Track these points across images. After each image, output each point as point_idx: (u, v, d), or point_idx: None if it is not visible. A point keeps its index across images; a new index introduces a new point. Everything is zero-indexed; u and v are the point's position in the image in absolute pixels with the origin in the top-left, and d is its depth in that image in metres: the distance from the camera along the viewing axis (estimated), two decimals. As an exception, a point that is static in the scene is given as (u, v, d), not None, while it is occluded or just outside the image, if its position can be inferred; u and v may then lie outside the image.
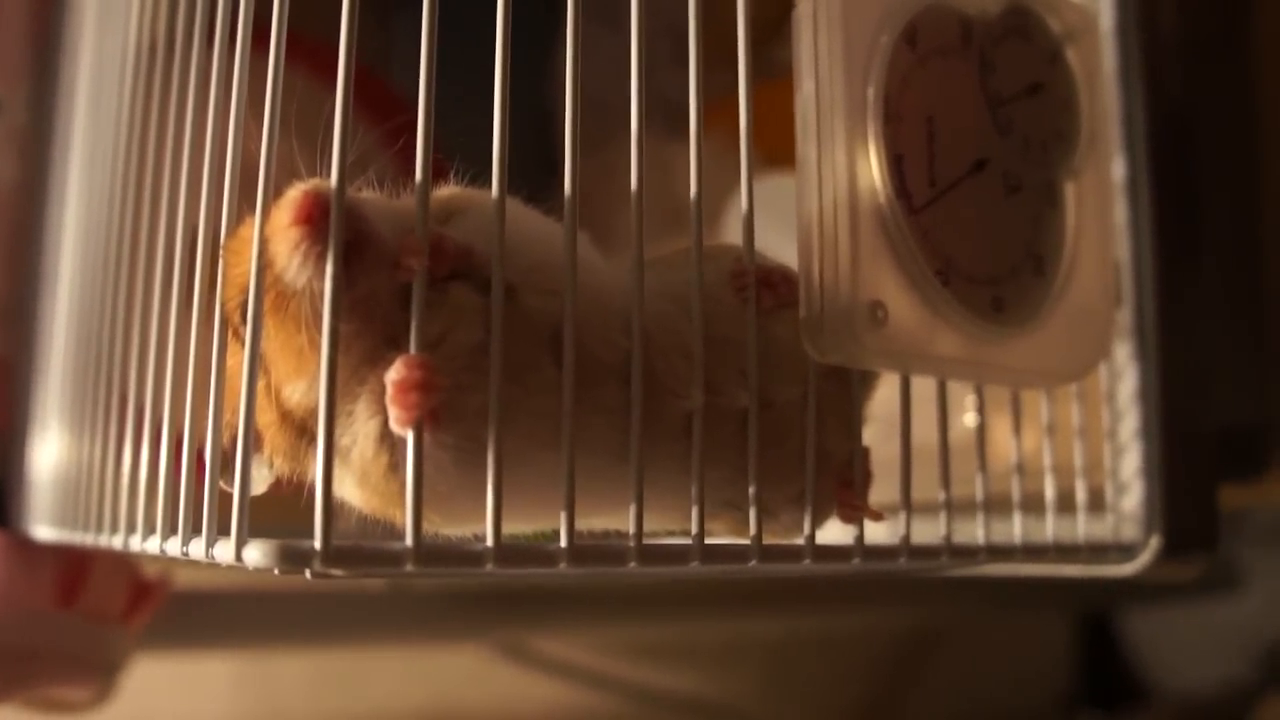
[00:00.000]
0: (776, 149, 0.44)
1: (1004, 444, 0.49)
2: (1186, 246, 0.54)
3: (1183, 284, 0.54)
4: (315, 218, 0.33)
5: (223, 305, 0.35)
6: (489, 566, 0.31)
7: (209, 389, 0.35)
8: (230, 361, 0.35)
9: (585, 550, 0.33)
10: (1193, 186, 0.56)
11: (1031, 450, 0.48)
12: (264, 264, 0.33)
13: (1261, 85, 0.72)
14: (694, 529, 0.35)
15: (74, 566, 0.61)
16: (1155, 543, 0.50)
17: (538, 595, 1.00)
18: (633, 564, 0.34)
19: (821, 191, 0.38)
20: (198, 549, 0.34)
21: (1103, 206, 0.47)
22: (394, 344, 0.34)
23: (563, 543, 0.32)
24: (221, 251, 0.35)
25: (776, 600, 1.11)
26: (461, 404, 0.33)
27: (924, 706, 1.30)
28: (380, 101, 0.44)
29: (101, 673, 0.63)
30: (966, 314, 0.41)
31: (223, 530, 0.32)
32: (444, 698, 1.04)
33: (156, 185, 0.43)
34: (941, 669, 1.32)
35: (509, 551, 0.32)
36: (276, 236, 0.33)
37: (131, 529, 0.40)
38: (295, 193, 0.34)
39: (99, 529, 0.44)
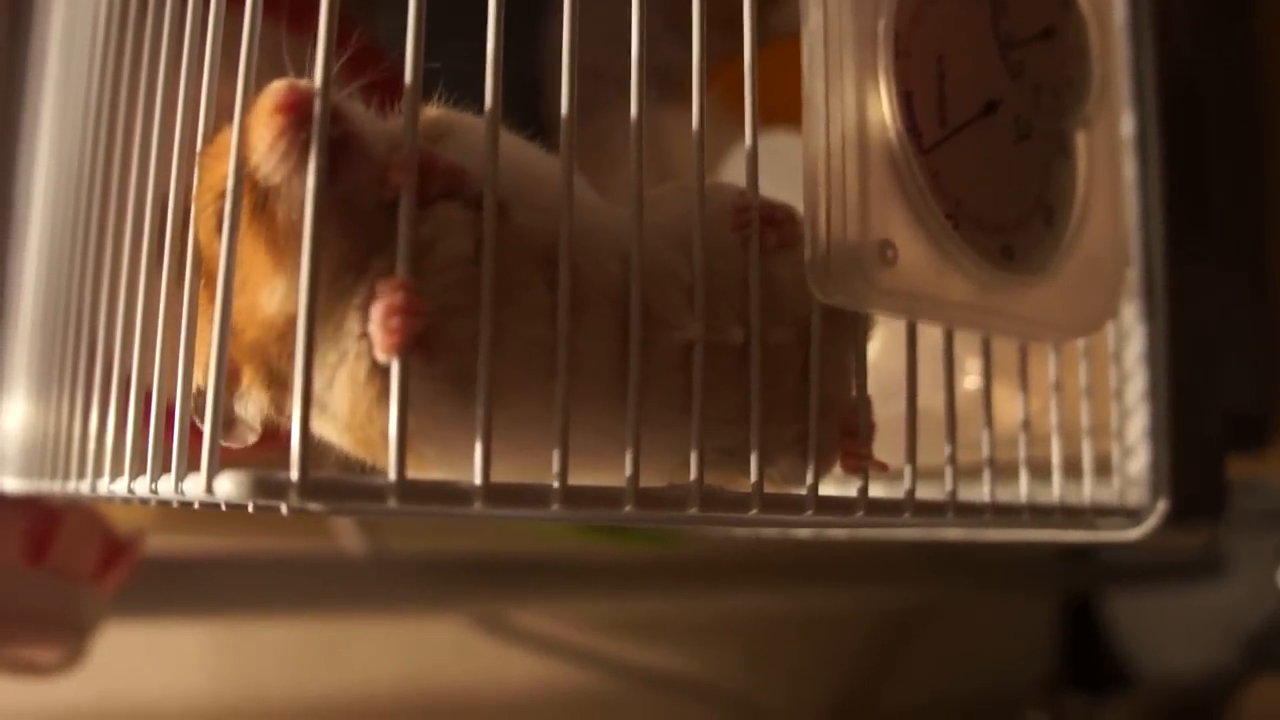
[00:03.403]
0: (771, 110, 0.43)
1: (1008, 408, 0.48)
2: (1195, 206, 0.53)
3: (1191, 244, 0.52)
4: (299, 105, 0.31)
5: (194, 221, 0.33)
6: (477, 505, 0.29)
7: (180, 321, 0.33)
8: (202, 291, 0.33)
9: (580, 492, 0.31)
10: (1202, 146, 0.54)
11: (1036, 412, 0.47)
12: (242, 164, 0.31)
13: (1271, 47, 0.71)
14: (693, 472, 0.33)
15: (43, 523, 0.59)
16: (1161, 507, 0.49)
17: (519, 568, 0.99)
18: (629, 508, 0.32)
19: (829, 127, 0.37)
20: (166, 486, 0.32)
21: (1113, 159, 0.46)
22: (380, 251, 0.32)
23: (555, 483, 0.31)
24: (198, 159, 0.33)
25: (760, 578, 1.10)
26: (450, 330, 0.31)
27: (907, 687, 1.29)
28: (361, 53, 0.42)
29: (71, 634, 0.61)
30: (976, 259, 0.39)
31: (193, 466, 0.31)
32: (423, 670, 1.03)
33: (129, 131, 0.41)
34: (925, 650, 1.31)
35: (498, 490, 0.30)
36: (258, 125, 0.32)
37: (99, 472, 0.38)
38: (279, 83, 0.32)
39: (66, 476, 0.42)
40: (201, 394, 0.31)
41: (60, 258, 0.48)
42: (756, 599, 1.18)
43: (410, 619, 1.03)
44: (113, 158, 0.42)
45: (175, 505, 0.34)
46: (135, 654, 0.90)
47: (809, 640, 1.25)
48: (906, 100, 0.39)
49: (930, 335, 0.41)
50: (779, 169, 0.39)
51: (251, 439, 0.36)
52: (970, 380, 0.56)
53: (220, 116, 0.33)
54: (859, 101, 0.37)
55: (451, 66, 0.35)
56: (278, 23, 0.34)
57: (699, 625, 1.17)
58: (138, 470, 0.35)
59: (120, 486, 0.36)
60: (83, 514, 0.61)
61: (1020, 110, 0.43)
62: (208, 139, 0.34)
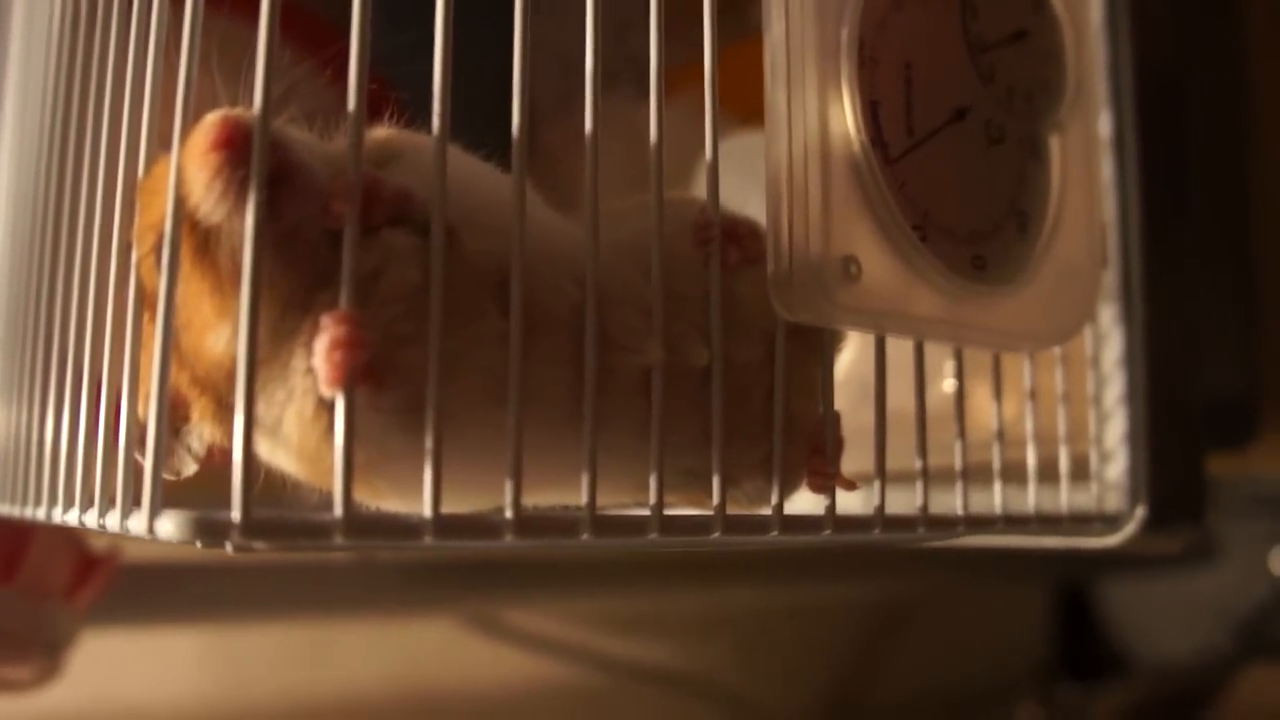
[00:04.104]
0: (754, 108, 0.42)
1: (983, 411, 0.47)
2: (1174, 207, 0.52)
3: (1170, 246, 0.52)
4: (236, 141, 0.30)
5: (137, 258, 0.32)
6: (427, 539, 0.28)
7: (125, 354, 0.32)
8: (147, 325, 0.32)
9: (533, 522, 0.31)
10: (1181, 146, 0.54)
11: (1011, 418, 0.46)
12: (180, 198, 0.30)
13: (1252, 44, 0.70)
14: (652, 497, 0.32)
15: (12, 541, 0.58)
16: (1140, 513, 0.48)
17: (508, 566, 0.98)
18: (585, 535, 0.31)
19: (791, 139, 0.36)
20: (113, 521, 0.31)
21: (1089, 162, 0.45)
22: (326, 285, 0.31)
23: (508, 513, 0.30)
24: (136, 197, 0.33)
25: (750, 571, 1.09)
26: (400, 360, 0.30)
27: (899, 677, 1.29)
28: (310, 31, 0.41)
29: (43, 651, 0.61)
30: (945, 272, 0.39)
31: (140, 501, 0.30)
32: (413, 670, 1.03)
33: (78, 157, 0.40)
34: (917, 640, 1.31)
35: (448, 523, 0.29)
36: (192, 164, 0.31)
37: (53, 501, 0.38)
38: (214, 116, 0.31)
39: (24, 501, 0.42)
40: (143, 428, 0.31)
41: (19, 273, 0.47)
42: (747, 593, 1.17)
43: (399, 619, 1.02)
44: (63, 183, 0.41)
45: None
46: (122, 660, 0.89)
47: (801, 633, 1.24)
48: (872, 110, 0.38)
49: (905, 339, 0.40)
50: (758, 169, 0.38)
51: (189, 470, 0.36)
52: (947, 383, 0.55)
53: (163, 138, 0.32)
54: (821, 112, 0.36)
55: (415, 79, 0.34)
56: (219, 7, 0.32)
57: (690, 620, 1.16)
58: (88, 502, 0.34)
59: (72, 517, 0.35)
60: (53, 530, 0.60)
61: (992, 115, 0.42)
62: (146, 171, 0.33)
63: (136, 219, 0.33)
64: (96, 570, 0.62)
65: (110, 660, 0.86)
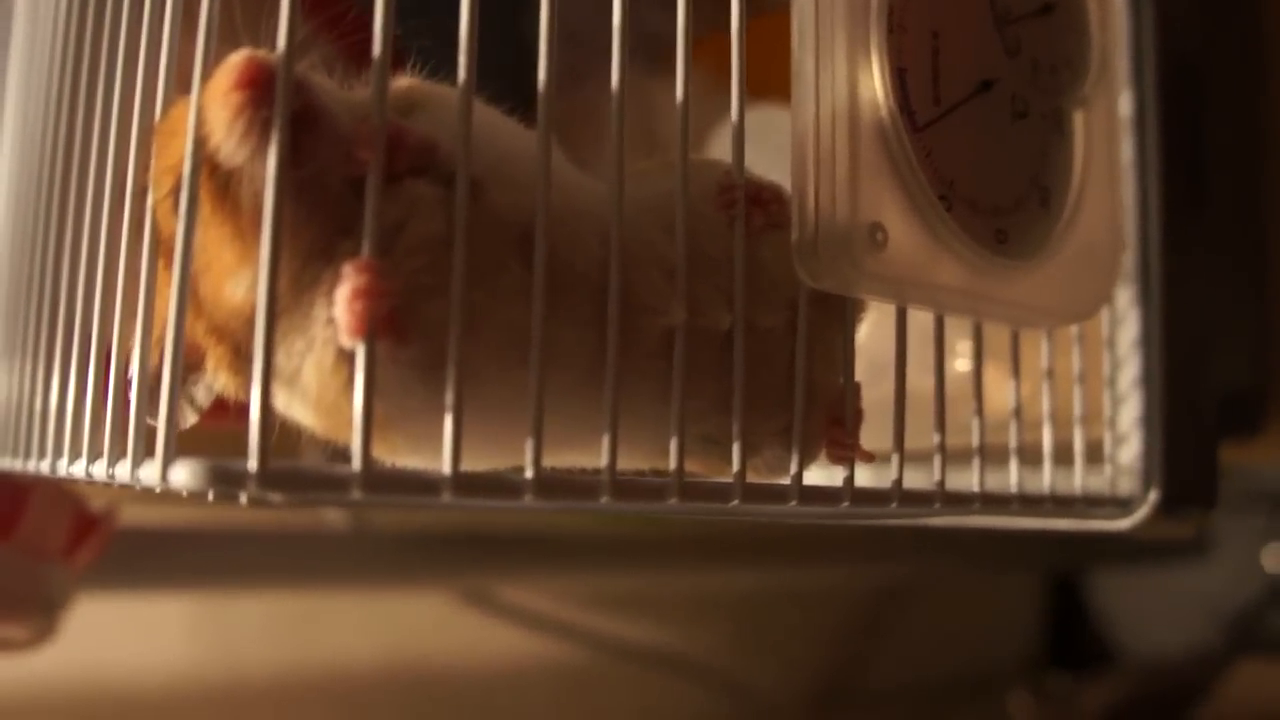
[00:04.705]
0: (764, 83, 0.41)
1: (997, 391, 0.47)
2: (1192, 188, 0.52)
3: (1187, 230, 0.51)
4: (260, 81, 0.29)
5: (153, 202, 0.32)
6: (446, 496, 0.28)
7: (139, 301, 0.31)
8: (162, 271, 0.32)
9: (553, 482, 0.30)
10: (1200, 130, 0.53)
11: (1027, 397, 0.46)
12: (200, 139, 0.29)
13: (1272, 28, 0.70)
14: (672, 461, 0.32)
15: (10, 499, 0.58)
16: (1153, 497, 0.48)
17: (504, 541, 0.98)
18: (605, 499, 0.31)
19: (819, 104, 0.35)
20: (124, 471, 0.31)
21: (1112, 140, 0.45)
22: (349, 234, 0.31)
23: (529, 473, 0.29)
24: (153, 139, 0.32)
25: (747, 553, 1.09)
26: (422, 312, 0.30)
27: (892, 662, 1.29)
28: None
29: (39, 611, 0.60)
30: (969, 243, 0.38)
31: (149, 453, 0.29)
32: (405, 644, 1.02)
33: (91, 97, 0.39)
34: (910, 626, 1.31)
35: (468, 480, 0.28)
36: (215, 104, 0.30)
37: (59, 452, 0.37)
38: (237, 56, 0.30)
39: (28, 454, 0.41)
40: (156, 376, 0.30)
41: (25, 225, 0.47)
42: (742, 575, 1.17)
43: (392, 592, 1.02)
44: (75, 127, 0.41)
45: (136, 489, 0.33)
46: (113, 626, 0.89)
47: (794, 617, 1.24)
48: (900, 77, 0.37)
49: (920, 315, 0.40)
50: (768, 144, 0.38)
51: (189, 422, 0.35)
52: (960, 363, 0.54)
53: (180, 84, 0.32)
54: (850, 78, 0.36)
55: (426, 35, 0.33)
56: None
57: (684, 601, 1.16)
58: (96, 453, 0.33)
59: (79, 469, 0.35)
60: (52, 489, 0.59)
61: (1017, 89, 0.42)
62: (164, 112, 0.32)
63: (153, 161, 0.32)
64: (94, 531, 0.62)
65: (101, 625, 0.86)
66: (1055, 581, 1.41)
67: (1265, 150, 0.69)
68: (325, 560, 0.93)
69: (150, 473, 0.28)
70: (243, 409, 0.33)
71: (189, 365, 0.34)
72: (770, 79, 0.39)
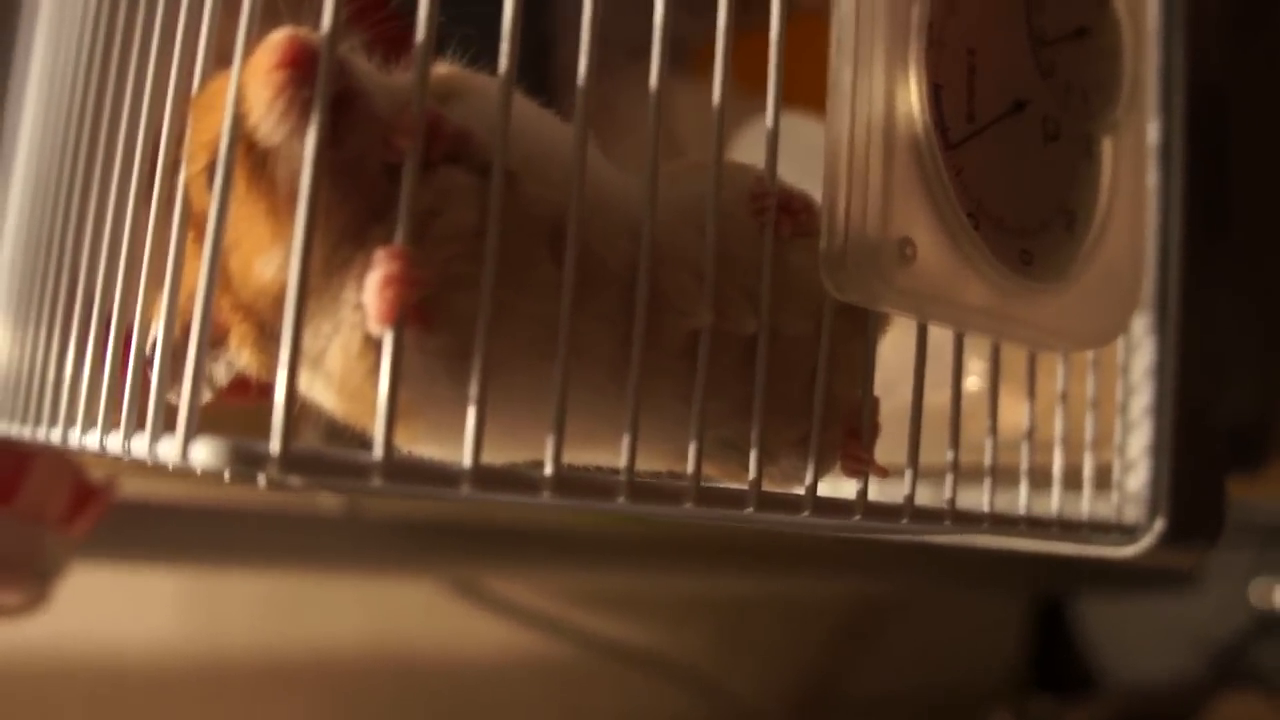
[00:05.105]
0: (787, 91, 0.41)
1: (1008, 412, 0.47)
2: (1213, 222, 0.52)
3: (1206, 261, 0.51)
4: (302, 61, 0.29)
5: (186, 177, 0.31)
6: (465, 489, 0.28)
7: (163, 272, 0.31)
8: (190, 245, 0.31)
9: (572, 481, 0.30)
10: (1226, 161, 0.53)
11: (1038, 418, 0.46)
12: (238, 116, 0.29)
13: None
14: (691, 466, 0.32)
15: (12, 464, 0.58)
16: (1159, 526, 0.48)
17: (496, 533, 0.98)
18: (622, 499, 0.30)
19: (855, 115, 0.35)
20: (140, 446, 0.30)
21: (1139, 167, 0.45)
22: (381, 219, 0.31)
23: (548, 469, 0.29)
24: (190, 110, 0.32)
25: (735, 558, 1.09)
26: (451, 303, 0.29)
27: (875, 675, 1.29)
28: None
29: (35, 577, 0.60)
30: (995, 263, 0.38)
31: (171, 427, 0.29)
32: (393, 630, 1.02)
33: (124, 64, 0.39)
34: (894, 641, 1.31)
35: (488, 474, 0.28)
36: (255, 82, 0.30)
37: (71, 422, 0.37)
38: (280, 35, 0.30)
39: (38, 421, 0.41)
40: (177, 350, 0.30)
41: (47, 190, 0.46)
42: (730, 580, 1.17)
43: (383, 579, 1.02)
44: (105, 92, 0.40)
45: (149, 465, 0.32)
46: (103, 596, 0.88)
47: (782, 624, 1.24)
48: (935, 93, 0.37)
49: (935, 332, 0.40)
50: (787, 152, 0.37)
51: (206, 398, 0.35)
52: (972, 381, 0.54)
53: (218, 58, 0.32)
54: (888, 90, 0.36)
55: (462, 26, 0.33)
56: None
57: (672, 603, 1.16)
58: (110, 425, 0.33)
59: (92, 440, 0.34)
60: (54, 457, 0.59)
61: (1049, 111, 0.41)
62: (202, 84, 0.32)
63: (188, 135, 0.32)
64: (93, 501, 0.61)
65: (91, 596, 0.86)
66: (1042, 604, 1.41)
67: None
68: (317, 543, 0.93)
69: (169, 449, 0.28)
70: (264, 388, 0.33)
71: (212, 341, 0.33)
72: (788, 86, 0.39)
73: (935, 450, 0.40)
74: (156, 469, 0.31)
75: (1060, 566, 1.31)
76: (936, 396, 0.40)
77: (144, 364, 0.32)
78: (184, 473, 0.30)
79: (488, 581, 1.03)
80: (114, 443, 0.33)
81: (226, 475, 0.28)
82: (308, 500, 0.93)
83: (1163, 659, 1.29)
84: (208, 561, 0.92)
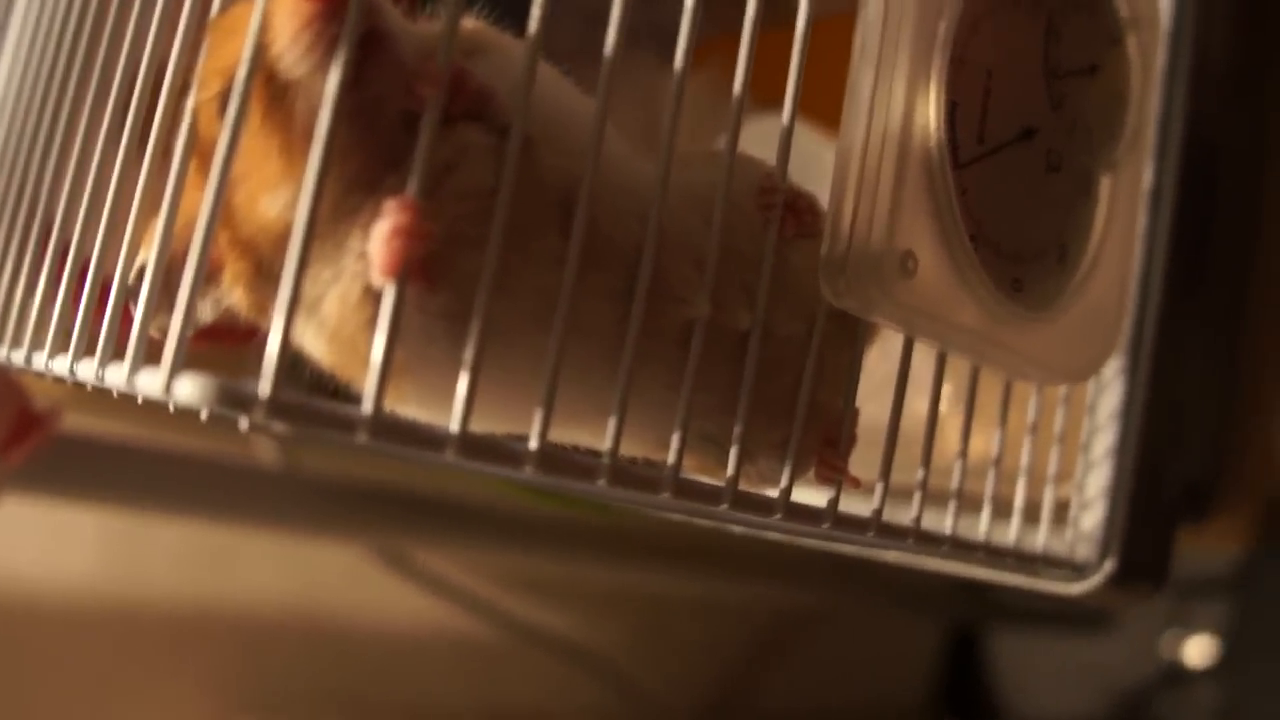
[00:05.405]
0: (772, 95, 0.41)
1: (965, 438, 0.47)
2: (1193, 274, 0.52)
3: (1183, 311, 0.51)
4: None
5: (195, 103, 0.30)
6: (449, 455, 0.27)
7: (159, 201, 0.30)
8: (192, 174, 0.30)
9: (555, 458, 0.29)
10: (1210, 216, 0.54)
11: (982, 451, 0.46)
12: (261, 45, 0.28)
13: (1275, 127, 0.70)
14: (672, 456, 0.31)
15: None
16: (1108, 567, 0.48)
17: (429, 507, 0.97)
18: (602, 482, 0.30)
19: (871, 123, 0.35)
20: (116, 376, 0.29)
21: (1132, 209, 0.45)
22: (395, 168, 0.30)
23: (533, 444, 0.29)
24: (207, 33, 0.31)
25: (662, 556, 1.09)
26: (456, 263, 0.29)
27: (788, 686, 1.29)
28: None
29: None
30: (989, 286, 0.38)
31: (152, 360, 0.28)
32: (315, 592, 1.01)
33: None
34: (810, 654, 1.31)
35: (474, 443, 0.28)
36: (283, 11, 0.29)
37: (38, 345, 0.35)
38: None
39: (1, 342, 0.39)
40: (169, 281, 0.29)
41: (27, 107, 0.45)
42: (656, 577, 1.17)
43: (311, 539, 1.00)
44: (87, 13, 0.39)
45: (114, 394, 0.31)
46: (22, 530, 0.86)
47: (702, 625, 1.24)
48: (951, 110, 0.37)
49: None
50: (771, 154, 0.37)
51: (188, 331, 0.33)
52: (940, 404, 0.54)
53: None
54: (907, 103, 0.35)
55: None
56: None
57: (595, 594, 1.16)
58: (83, 351, 0.32)
59: (60, 364, 0.33)
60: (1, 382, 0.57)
61: (1055, 142, 0.42)
62: (223, 7, 0.31)
63: (203, 58, 0.31)
64: (35, 428, 0.59)
65: (10, 527, 0.83)
66: (958, 631, 1.42)
67: (1263, 236, 0.70)
68: (249, 495, 0.91)
69: (151, 381, 0.27)
70: (250, 330, 0.32)
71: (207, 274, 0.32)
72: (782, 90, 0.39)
73: (900, 469, 0.40)
74: (98, 402, 0.30)
75: (978, 595, 1.33)
76: (906, 416, 0.40)
77: (127, 293, 0.31)
78: (135, 408, 0.28)
79: (414, 552, 1.02)
80: (86, 370, 0.31)
81: (204, 414, 0.27)
82: (244, 450, 0.91)
83: (1070, 700, 1.30)
84: (134, 503, 0.90)
